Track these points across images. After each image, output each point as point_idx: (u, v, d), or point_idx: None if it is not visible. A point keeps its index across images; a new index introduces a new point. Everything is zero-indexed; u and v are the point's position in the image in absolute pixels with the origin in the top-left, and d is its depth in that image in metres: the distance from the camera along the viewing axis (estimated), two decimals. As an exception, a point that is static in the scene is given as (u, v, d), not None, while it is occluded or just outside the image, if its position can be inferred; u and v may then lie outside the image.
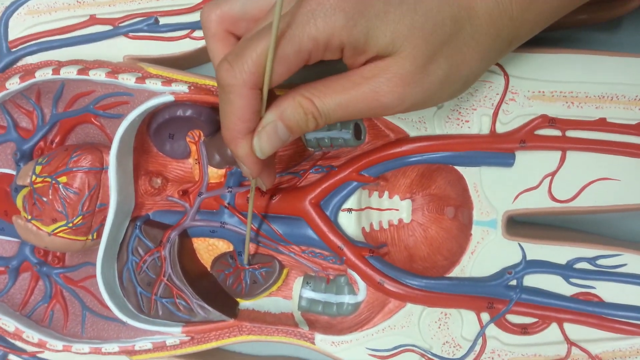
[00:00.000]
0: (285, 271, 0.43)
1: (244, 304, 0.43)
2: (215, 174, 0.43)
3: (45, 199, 0.38)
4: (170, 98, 0.39)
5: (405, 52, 0.29)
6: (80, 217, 0.39)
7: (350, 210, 0.41)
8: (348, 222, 0.41)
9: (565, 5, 0.32)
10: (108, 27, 0.43)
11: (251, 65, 0.29)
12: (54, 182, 0.38)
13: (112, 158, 0.38)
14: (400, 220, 0.43)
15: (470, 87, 0.38)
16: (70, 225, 0.39)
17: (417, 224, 0.43)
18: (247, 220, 0.40)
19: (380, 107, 0.30)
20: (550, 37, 0.43)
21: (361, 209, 0.42)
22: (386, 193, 0.43)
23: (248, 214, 0.39)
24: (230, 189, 0.42)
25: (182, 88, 0.39)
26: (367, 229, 0.43)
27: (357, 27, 0.28)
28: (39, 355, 0.43)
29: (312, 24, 0.28)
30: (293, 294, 0.43)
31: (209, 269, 0.44)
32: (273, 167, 0.37)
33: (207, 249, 0.44)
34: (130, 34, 0.43)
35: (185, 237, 0.42)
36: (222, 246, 0.43)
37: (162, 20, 0.42)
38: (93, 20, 0.43)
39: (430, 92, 0.31)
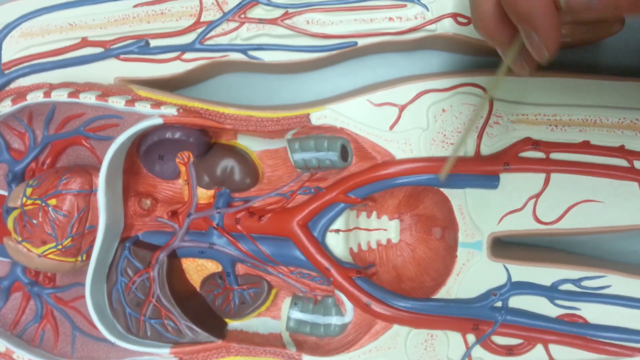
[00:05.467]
0: (273, 292, 0.43)
1: (233, 324, 0.44)
2: (204, 194, 0.43)
3: (35, 222, 0.39)
4: (159, 121, 0.39)
5: None
6: (69, 239, 0.39)
7: (338, 231, 0.42)
8: (336, 243, 0.42)
9: None
10: (100, 50, 0.43)
11: None
12: (43, 204, 0.39)
13: (101, 181, 0.39)
14: (388, 240, 0.44)
15: (454, 111, 0.39)
16: (60, 247, 0.39)
17: (405, 244, 0.44)
18: (235, 242, 0.40)
19: None
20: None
21: (349, 230, 0.42)
22: (374, 213, 0.44)
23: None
24: (219, 210, 0.42)
25: (171, 111, 0.40)
26: (355, 250, 0.43)
27: None
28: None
29: None
30: (282, 315, 0.43)
31: (198, 289, 0.44)
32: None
33: (196, 270, 0.44)
34: (122, 56, 0.43)
35: (174, 257, 0.43)
36: (211, 267, 0.44)
37: (153, 43, 0.43)
38: (85, 42, 0.43)
39: None
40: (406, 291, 0.42)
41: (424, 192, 0.42)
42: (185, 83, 0.45)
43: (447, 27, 0.41)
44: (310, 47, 0.42)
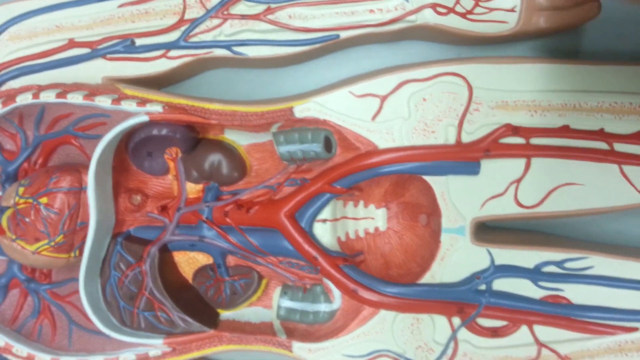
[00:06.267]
0: (264, 282, 0.44)
1: (226, 314, 0.45)
2: (193, 189, 0.44)
3: (27, 220, 0.40)
4: (145, 118, 0.40)
5: None
6: (61, 236, 0.40)
7: (324, 220, 0.43)
8: (323, 233, 0.43)
9: None
10: (87, 50, 0.44)
11: None
12: (35, 203, 0.40)
13: (90, 178, 0.40)
14: (376, 229, 0.44)
15: (435, 100, 0.39)
16: (52, 244, 0.40)
17: (392, 231, 0.44)
18: (224, 234, 0.41)
19: None
20: (512, 48, 0.44)
21: (336, 219, 0.43)
22: (361, 202, 0.44)
23: None
24: (208, 204, 0.43)
25: (157, 108, 0.40)
26: (343, 238, 0.44)
27: None
28: (30, 369, 0.44)
29: None
30: (273, 304, 0.44)
31: (190, 282, 0.45)
32: None
33: (188, 262, 0.45)
34: (108, 56, 0.44)
35: (166, 251, 0.44)
36: (202, 259, 0.45)
37: (139, 42, 0.44)
38: (72, 43, 0.44)
39: None
40: (394, 278, 0.42)
41: (409, 180, 0.43)
42: (171, 80, 0.46)
43: (427, 17, 0.41)
44: (293, 41, 0.42)
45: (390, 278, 0.42)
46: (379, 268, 0.44)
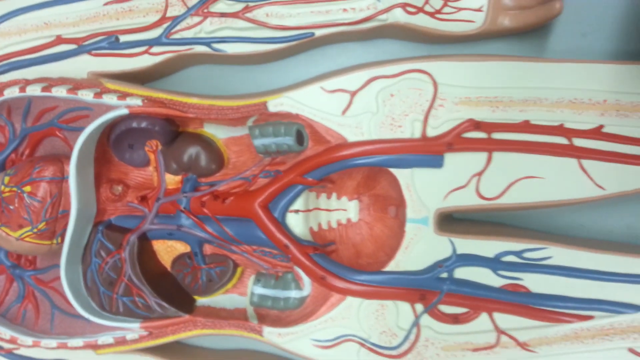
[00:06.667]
0: (239, 270, 0.46)
1: (202, 300, 0.47)
2: (172, 180, 0.46)
3: (12, 207, 0.42)
4: (124, 111, 0.42)
5: None
6: (43, 223, 0.42)
7: (297, 211, 0.44)
8: (296, 223, 0.44)
9: None
10: (73, 46, 0.46)
11: None
12: (19, 191, 0.42)
13: (72, 168, 0.41)
14: (348, 220, 0.46)
15: (402, 95, 0.41)
16: (35, 230, 0.42)
17: (364, 222, 0.46)
18: (201, 223, 0.43)
19: None
20: (481, 47, 0.45)
21: (309, 210, 0.45)
22: (334, 195, 0.46)
23: None
24: (186, 194, 0.45)
25: (136, 102, 0.42)
26: (316, 229, 0.45)
27: None
28: (15, 352, 0.46)
29: None
30: (248, 291, 0.46)
31: (169, 269, 0.47)
32: None
33: (167, 251, 0.47)
34: (93, 52, 0.46)
35: (145, 240, 0.46)
36: (180, 247, 0.47)
37: (122, 38, 0.45)
38: (59, 40, 0.46)
39: None
40: (363, 266, 0.44)
41: (379, 173, 0.44)
42: (154, 76, 0.48)
43: (398, 16, 0.43)
44: (271, 39, 0.44)
45: (360, 267, 0.44)
46: (349, 257, 0.45)
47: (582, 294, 0.40)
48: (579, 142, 0.40)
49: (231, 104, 0.43)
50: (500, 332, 0.41)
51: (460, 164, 0.41)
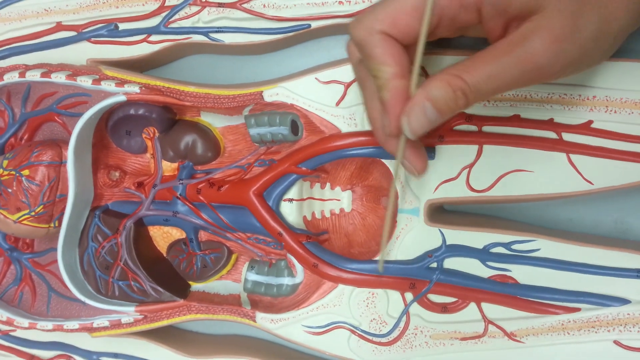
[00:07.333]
0: (234, 257, 0.47)
1: (196, 286, 0.47)
2: (169, 167, 0.46)
3: (10, 190, 0.43)
4: (122, 98, 0.43)
5: (551, 7, 0.29)
6: (41, 207, 0.43)
7: (291, 200, 0.45)
8: (290, 211, 0.45)
9: None
10: (73, 33, 0.47)
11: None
12: (18, 175, 0.43)
13: (70, 153, 0.42)
14: (341, 210, 0.47)
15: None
16: (33, 213, 0.43)
17: (356, 212, 0.47)
18: (196, 210, 0.44)
19: (535, 69, 0.30)
20: (467, 43, 0.46)
21: (302, 199, 0.46)
22: (328, 185, 0.47)
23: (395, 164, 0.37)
24: (182, 181, 0.46)
25: (134, 89, 0.43)
26: (309, 218, 0.46)
27: None
28: (11, 333, 0.47)
29: None
30: (242, 277, 0.47)
31: (165, 255, 0.48)
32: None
33: (163, 237, 0.48)
34: (93, 39, 0.46)
35: (141, 225, 0.47)
36: (176, 234, 0.48)
37: (122, 26, 0.46)
38: (59, 27, 0.47)
39: (584, 50, 0.30)
40: (355, 255, 0.45)
41: (372, 164, 0.45)
42: (152, 64, 0.49)
43: (393, 9, 0.43)
44: (267, 30, 0.45)
45: (352, 255, 0.45)
46: (342, 246, 0.46)
47: (569, 286, 0.41)
48: (568, 136, 0.41)
49: (227, 93, 0.44)
50: (488, 321, 0.41)
51: (451, 156, 0.41)
